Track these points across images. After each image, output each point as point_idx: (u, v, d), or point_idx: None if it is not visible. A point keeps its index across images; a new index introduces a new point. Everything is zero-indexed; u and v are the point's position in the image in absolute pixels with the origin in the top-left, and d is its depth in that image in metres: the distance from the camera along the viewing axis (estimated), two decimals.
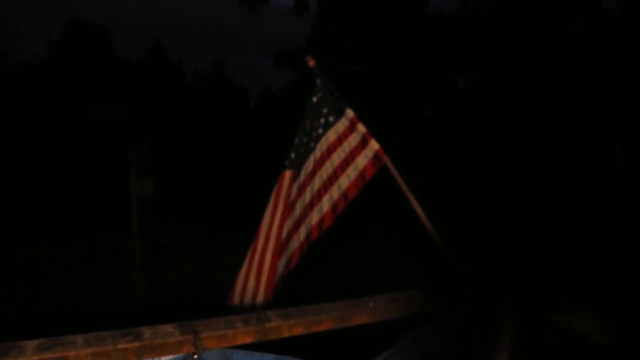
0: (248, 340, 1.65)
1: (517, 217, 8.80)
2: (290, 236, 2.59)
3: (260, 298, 2.59)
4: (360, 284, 5.69)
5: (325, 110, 2.66)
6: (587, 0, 14.45)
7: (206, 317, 1.74)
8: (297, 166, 2.68)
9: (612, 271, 5.44)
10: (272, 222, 2.70)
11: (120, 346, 1.45)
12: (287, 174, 2.72)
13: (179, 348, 1.54)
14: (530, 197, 10.43)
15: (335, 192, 2.51)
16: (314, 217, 2.51)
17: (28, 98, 24.27)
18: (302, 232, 2.54)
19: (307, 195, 2.58)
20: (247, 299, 2.65)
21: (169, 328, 1.57)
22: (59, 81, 26.94)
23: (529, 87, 14.73)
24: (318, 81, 2.70)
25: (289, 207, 2.64)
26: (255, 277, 2.65)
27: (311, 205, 2.55)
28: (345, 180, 2.51)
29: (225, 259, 5.27)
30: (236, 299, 2.72)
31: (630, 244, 6.57)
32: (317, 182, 2.58)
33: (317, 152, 2.62)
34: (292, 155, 2.71)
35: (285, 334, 1.70)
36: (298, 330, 1.72)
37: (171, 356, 1.56)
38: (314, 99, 2.70)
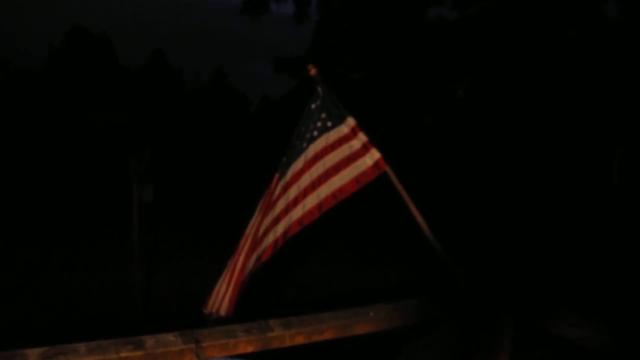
0: (250, 349, 1.65)
1: (515, 224, 8.81)
2: (266, 232, 2.52)
3: (225, 302, 2.49)
4: (360, 290, 5.69)
5: (323, 115, 2.65)
6: (588, 7, 14.54)
7: (206, 324, 1.74)
8: (286, 167, 2.65)
9: (608, 279, 5.45)
10: (254, 224, 2.65)
11: (122, 354, 1.46)
12: (277, 176, 2.69)
13: (180, 357, 1.54)
14: (528, 205, 10.45)
15: (323, 191, 2.48)
16: (296, 214, 2.47)
17: (29, 104, 24.34)
18: (280, 228, 2.48)
19: (292, 193, 2.53)
20: (216, 305, 2.55)
21: (170, 337, 1.58)
22: (60, 88, 27.03)
23: (528, 95, 14.78)
24: (319, 89, 2.71)
25: (271, 205, 2.58)
26: (227, 281, 2.56)
27: (295, 201, 2.50)
28: (337, 182, 2.48)
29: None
30: (209, 306, 2.62)
31: (625, 250, 6.59)
32: (304, 181, 2.53)
33: (310, 152, 2.59)
34: (284, 159, 2.69)
35: (287, 343, 1.71)
36: (299, 340, 1.73)
37: None
38: (312, 105, 2.70)
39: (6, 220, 9.04)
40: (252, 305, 2.64)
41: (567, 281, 5.54)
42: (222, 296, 2.54)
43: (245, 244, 2.60)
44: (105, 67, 29.31)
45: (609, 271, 5.82)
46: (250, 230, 2.66)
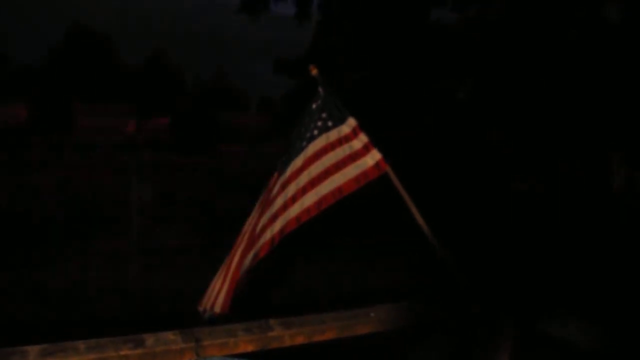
0: (250, 348, 1.65)
1: (515, 226, 8.81)
2: (264, 229, 2.50)
3: (220, 299, 2.44)
4: (362, 290, 5.66)
5: (324, 115, 2.65)
6: (588, 9, 14.56)
7: (207, 325, 1.74)
8: (285, 165, 2.64)
9: (608, 280, 5.45)
10: (251, 222, 2.64)
11: (122, 353, 1.45)
12: (276, 175, 2.67)
13: (181, 356, 1.54)
14: (529, 206, 10.45)
15: (322, 190, 2.48)
16: (294, 211, 2.46)
17: (29, 101, 24.38)
18: (277, 225, 2.47)
19: (290, 190, 2.53)
20: (210, 302, 2.51)
21: (170, 335, 1.57)
22: (59, 86, 27.03)
23: (530, 97, 14.80)
24: (320, 89, 2.71)
25: (269, 203, 2.58)
26: (222, 278, 2.53)
27: (293, 199, 2.50)
28: (337, 181, 2.48)
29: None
30: (203, 304, 2.57)
31: (624, 252, 6.60)
32: (303, 179, 2.54)
33: (309, 151, 2.60)
34: (284, 158, 2.67)
35: (287, 342, 1.70)
36: (300, 340, 1.72)
37: None
38: (313, 105, 2.70)
39: (6, 220, 9.01)
40: (252, 304, 2.62)
41: (567, 282, 5.54)
42: (217, 293, 2.51)
43: (242, 242, 2.58)
44: (105, 66, 29.32)
45: (609, 272, 5.82)
46: (247, 228, 2.64)
